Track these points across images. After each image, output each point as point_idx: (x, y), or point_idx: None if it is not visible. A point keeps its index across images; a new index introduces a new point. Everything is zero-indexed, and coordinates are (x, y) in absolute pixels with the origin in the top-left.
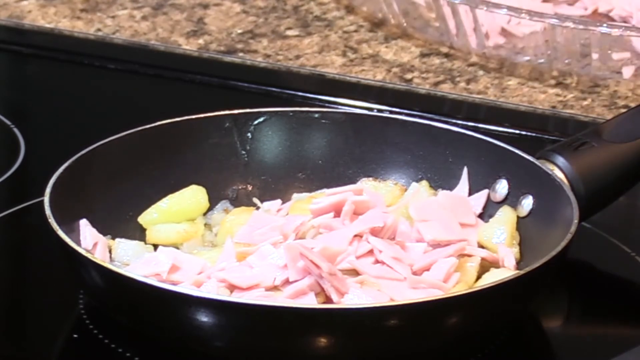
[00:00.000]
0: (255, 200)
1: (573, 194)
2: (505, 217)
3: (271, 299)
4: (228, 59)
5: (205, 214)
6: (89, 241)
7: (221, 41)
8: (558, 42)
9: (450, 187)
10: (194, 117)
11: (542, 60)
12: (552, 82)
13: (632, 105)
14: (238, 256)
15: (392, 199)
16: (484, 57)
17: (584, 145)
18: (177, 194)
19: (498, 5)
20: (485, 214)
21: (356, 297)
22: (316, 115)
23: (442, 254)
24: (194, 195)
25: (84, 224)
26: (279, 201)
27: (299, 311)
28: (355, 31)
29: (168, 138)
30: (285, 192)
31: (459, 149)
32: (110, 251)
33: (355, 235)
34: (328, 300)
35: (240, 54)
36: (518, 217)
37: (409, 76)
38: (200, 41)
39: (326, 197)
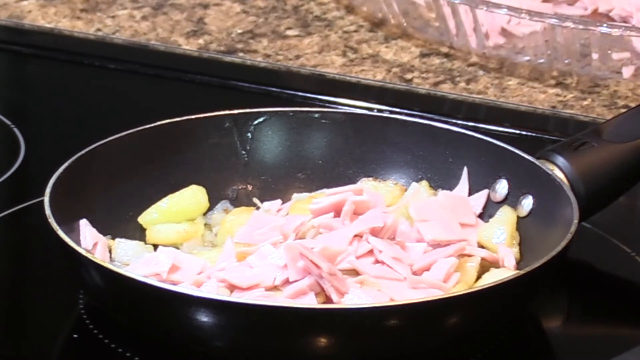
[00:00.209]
0: (255, 200)
1: (573, 194)
2: (505, 217)
3: (271, 299)
4: (228, 59)
5: (205, 214)
6: (89, 241)
7: (221, 41)
8: (558, 42)
9: (450, 187)
10: (194, 117)
11: (542, 60)
12: (552, 82)
13: (632, 105)
14: (238, 256)
15: (392, 199)
16: (484, 57)
17: (584, 145)
18: (177, 194)
19: (498, 5)
20: (485, 214)
21: (356, 297)
22: (316, 115)
23: (442, 254)
24: (194, 195)
25: (84, 224)
26: (279, 201)
27: (299, 311)
28: (355, 31)
29: (168, 138)
30: (285, 192)
31: (459, 149)
32: (110, 251)
33: (355, 235)
34: (328, 300)
35: (240, 54)
36: (518, 217)
37: (409, 76)
38: (200, 41)
39: (326, 197)
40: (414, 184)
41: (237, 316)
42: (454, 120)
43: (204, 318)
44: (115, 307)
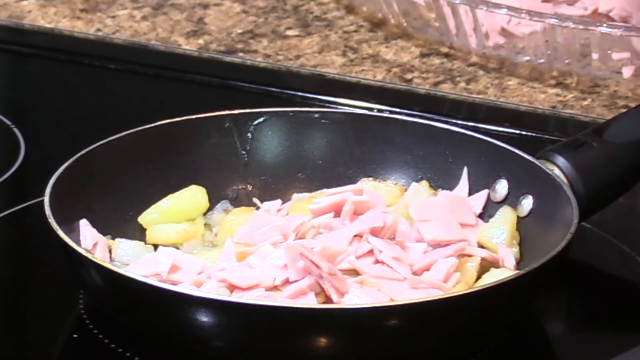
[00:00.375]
0: (255, 200)
1: (573, 194)
2: (505, 217)
3: (271, 299)
4: (228, 59)
5: (205, 214)
6: (89, 241)
7: (221, 41)
8: (558, 42)
9: (450, 187)
10: (194, 117)
11: (542, 60)
12: (552, 82)
13: (632, 105)
14: (238, 256)
15: (392, 199)
16: (484, 57)
17: (584, 145)
18: (177, 194)
19: (498, 5)
20: (485, 214)
21: (356, 297)
22: (316, 115)
23: (442, 254)
24: (194, 195)
25: (84, 224)
26: (279, 201)
27: (299, 311)
28: (355, 31)
29: (168, 138)
30: (285, 192)
31: (459, 149)
32: (110, 251)
33: (355, 235)
34: (328, 300)
35: (240, 54)
36: (518, 217)
37: (409, 76)
38: (200, 41)
39: (326, 197)
40: (414, 184)
41: (237, 316)
42: (454, 120)
43: (204, 318)
44: (115, 307)
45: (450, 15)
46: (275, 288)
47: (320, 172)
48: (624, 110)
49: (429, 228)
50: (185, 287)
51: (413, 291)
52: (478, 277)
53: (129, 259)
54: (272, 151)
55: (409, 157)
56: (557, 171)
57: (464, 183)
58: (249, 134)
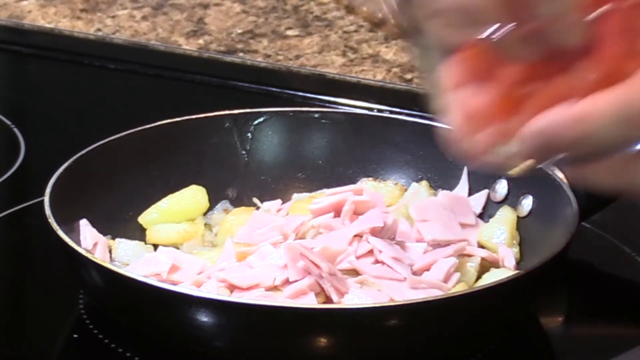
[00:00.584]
0: (255, 200)
1: (573, 194)
2: (505, 217)
3: (271, 299)
4: (228, 59)
5: (205, 214)
6: (89, 241)
7: (221, 41)
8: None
9: (450, 187)
10: (194, 117)
11: None
12: None
13: None
14: (238, 256)
15: (392, 199)
16: None
17: None
18: (177, 194)
19: None
20: (485, 214)
21: (356, 297)
22: (316, 115)
23: (442, 254)
24: (194, 195)
25: (84, 224)
26: (279, 201)
27: (299, 311)
28: (355, 31)
29: (168, 138)
30: (285, 192)
31: None
32: (110, 251)
33: (355, 235)
34: (328, 300)
35: (240, 54)
36: (518, 217)
37: (409, 76)
38: (200, 41)
39: (326, 197)
40: (414, 184)
41: (237, 316)
42: None
43: (204, 318)
44: (115, 307)
45: None
46: (275, 288)
47: (320, 172)
48: None
49: (429, 228)
50: (185, 287)
51: (413, 291)
52: (478, 277)
53: (129, 259)
54: (272, 151)
55: (409, 157)
56: (557, 171)
57: (464, 183)
58: (249, 134)
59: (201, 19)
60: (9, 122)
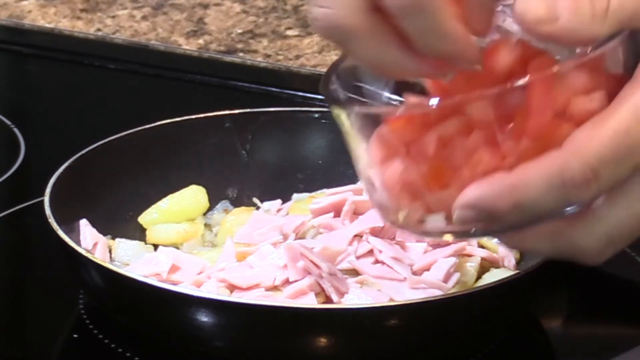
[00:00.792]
0: (255, 200)
1: None
2: None
3: (271, 299)
4: (228, 59)
5: (205, 214)
6: (89, 241)
7: (221, 41)
8: None
9: None
10: (194, 117)
11: None
12: None
13: None
14: (238, 256)
15: None
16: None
17: None
18: (177, 194)
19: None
20: None
21: (356, 297)
22: (316, 115)
23: (442, 254)
24: (194, 195)
25: (84, 224)
26: (279, 201)
27: (299, 311)
28: None
29: (168, 138)
30: (285, 192)
31: None
32: (110, 251)
33: (355, 235)
34: (328, 300)
35: (240, 54)
36: None
37: None
38: (200, 41)
39: (326, 197)
40: None
41: (237, 316)
42: None
43: (204, 318)
44: (115, 307)
45: None
46: (275, 288)
47: (320, 172)
48: None
49: None
50: (185, 287)
51: (413, 291)
52: (478, 277)
53: (129, 259)
54: (272, 151)
55: None
56: None
57: None
58: (249, 134)
59: (201, 19)
60: (9, 122)
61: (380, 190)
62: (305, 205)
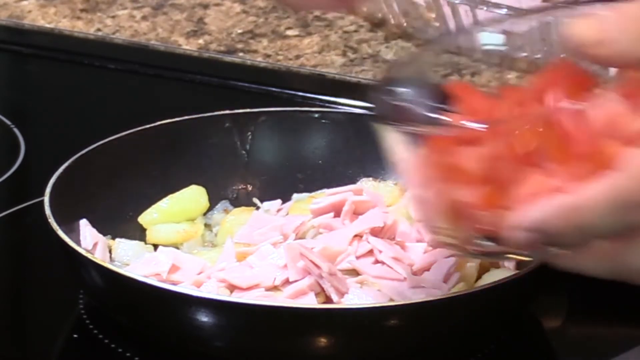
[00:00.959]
0: (255, 200)
1: None
2: None
3: (271, 299)
4: (228, 59)
5: (205, 214)
6: (89, 241)
7: (221, 41)
8: (554, 39)
9: None
10: (194, 117)
11: (538, 56)
12: None
13: None
14: (238, 256)
15: (392, 199)
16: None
17: None
18: (177, 194)
19: (498, 5)
20: None
21: (356, 297)
22: (316, 115)
23: (442, 254)
24: (194, 195)
25: (84, 224)
26: (279, 201)
27: (299, 311)
28: (355, 31)
29: (168, 138)
30: (285, 192)
31: None
32: (110, 251)
33: (355, 235)
34: (328, 300)
35: (240, 54)
36: None
37: None
38: (200, 41)
39: (326, 197)
40: None
41: (237, 316)
42: None
43: (204, 318)
44: (115, 307)
45: (450, 15)
46: (275, 288)
47: (320, 172)
48: None
49: None
50: (185, 287)
51: (413, 291)
52: (478, 277)
53: (129, 259)
54: (272, 151)
55: None
56: None
57: None
58: (249, 134)
59: (201, 19)
60: (9, 122)
61: (428, 209)
62: (305, 205)
